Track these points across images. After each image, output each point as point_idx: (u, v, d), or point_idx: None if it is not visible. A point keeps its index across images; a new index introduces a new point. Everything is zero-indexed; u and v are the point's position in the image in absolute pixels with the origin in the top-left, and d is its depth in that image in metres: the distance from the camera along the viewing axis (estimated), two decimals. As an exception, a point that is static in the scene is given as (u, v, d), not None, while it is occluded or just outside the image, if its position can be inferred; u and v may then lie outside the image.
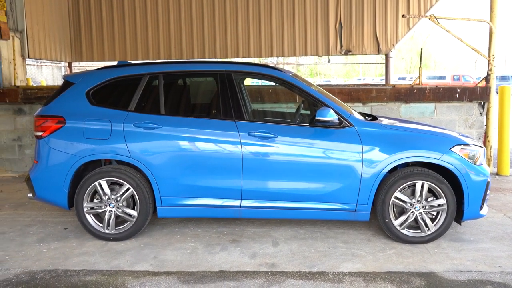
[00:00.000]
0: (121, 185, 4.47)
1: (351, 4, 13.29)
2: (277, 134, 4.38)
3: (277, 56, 13.75)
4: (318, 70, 56.97)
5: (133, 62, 5.20)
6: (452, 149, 4.35)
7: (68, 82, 4.68)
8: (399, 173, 4.36)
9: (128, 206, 4.51)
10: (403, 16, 8.45)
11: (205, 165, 4.41)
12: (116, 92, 4.63)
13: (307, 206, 4.45)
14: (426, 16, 7.05)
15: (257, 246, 4.40)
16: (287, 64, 27.32)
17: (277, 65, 15.11)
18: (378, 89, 7.40)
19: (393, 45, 13.55)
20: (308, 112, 5.43)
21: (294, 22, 13.40)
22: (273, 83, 5.08)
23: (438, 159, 4.33)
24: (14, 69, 10.66)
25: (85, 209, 4.47)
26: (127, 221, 4.52)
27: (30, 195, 4.71)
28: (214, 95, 4.74)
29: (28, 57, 11.33)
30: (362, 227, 4.90)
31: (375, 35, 13.40)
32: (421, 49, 10.27)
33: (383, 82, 29.11)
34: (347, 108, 4.72)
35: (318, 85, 7.58)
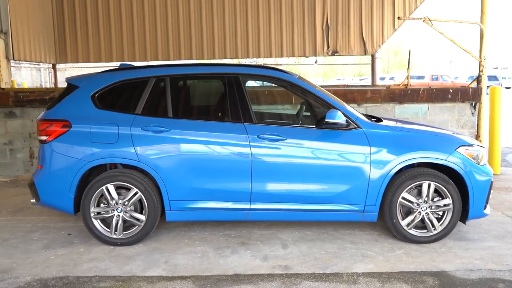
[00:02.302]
0: (128, 189, 4.42)
1: (338, 5, 13.41)
2: (286, 136, 4.39)
3: (264, 57, 13.76)
4: (297, 70, 57.29)
5: (135, 64, 5.14)
6: (457, 150, 4.43)
7: (72, 85, 4.60)
8: (407, 174, 4.42)
9: (135, 210, 4.46)
10: (398, 18, 8.58)
11: (214, 168, 4.39)
12: (122, 95, 4.58)
13: (316, 208, 4.47)
14: (420, 18, 7.16)
15: (267, 248, 4.41)
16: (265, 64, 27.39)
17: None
18: (373, 90, 7.48)
19: (379, 46, 13.72)
20: (308, 113, 5.46)
21: (281, 24, 13.45)
22: (270, 84, 5.07)
23: (445, 160, 4.40)
24: (0, 71, 10.46)
25: (92, 214, 4.40)
26: (135, 226, 4.47)
27: (33, 200, 4.62)
28: (221, 98, 4.72)
29: (13, 59, 11.12)
30: (368, 228, 4.95)
31: (362, 36, 13.55)
32: (409, 50, 10.43)
33: (364, 83, 29.39)
34: (353, 110, 4.77)
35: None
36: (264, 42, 13.49)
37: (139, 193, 4.38)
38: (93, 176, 4.56)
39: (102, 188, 4.38)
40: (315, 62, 14.20)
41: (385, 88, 7.61)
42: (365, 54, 13.93)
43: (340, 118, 4.33)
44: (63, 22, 13.39)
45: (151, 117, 4.43)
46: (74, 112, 4.45)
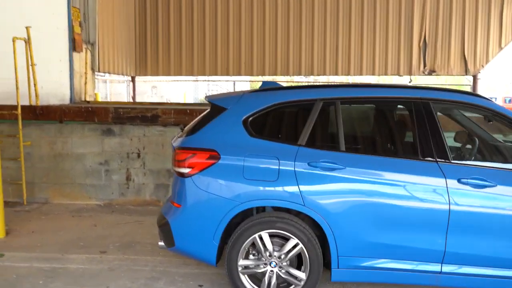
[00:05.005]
0: (284, 238, 3.52)
1: (438, 21, 12.30)
2: (496, 182, 3.38)
3: (355, 75, 12.80)
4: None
5: (279, 82, 4.30)
6: None
7: (217, 106, 3.77)
8: None
9: (291, 265, 3.56)
10: None
11: (399, 218, 3.43)
12: (281, 121, 3.72)
13: (529, 275, 3.42)
14: None
15: (463, 326, 3.39)
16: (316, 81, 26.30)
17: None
18: None
19: (483, 66, 12.47)
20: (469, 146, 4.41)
21: (374, 39, 12.47)
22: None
23: None
24: (85, 83, 9.98)
25: (240, 268, 3.53)
26: (290, 285, 3.56)
27: (162, 243, 3.80)
28: (408, 129, 3.78)
29: (98, 71, 10.66)
30: None
31: (463, 54, 12.35)
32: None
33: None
34: None
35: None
36: (355, 59, 12.53)
37: (300, 244, 3.47)
38: (237, 220, 3.69)
39: (255, 236, 3.49)
40: (409, 82, 13.05)
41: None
42: (465, 74, 12.71)
43: None
44: (145, 35, 12.96)
45: (319, 150, 3.53)
46: (223, 140, 3.61)
